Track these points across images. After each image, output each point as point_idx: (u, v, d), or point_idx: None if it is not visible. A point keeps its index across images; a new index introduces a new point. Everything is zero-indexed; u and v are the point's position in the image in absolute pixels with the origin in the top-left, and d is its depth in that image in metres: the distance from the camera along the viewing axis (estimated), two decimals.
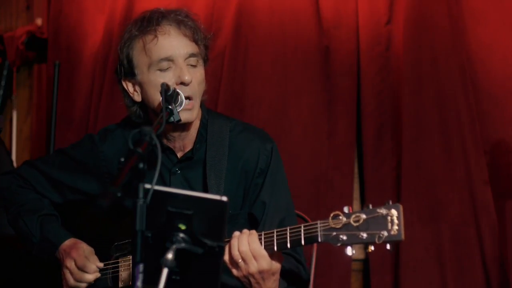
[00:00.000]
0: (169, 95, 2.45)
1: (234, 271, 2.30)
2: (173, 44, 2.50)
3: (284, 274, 2.52)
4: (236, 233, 2.30)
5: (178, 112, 2.46)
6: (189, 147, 2.66)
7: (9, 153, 4.46)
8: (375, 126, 4.15)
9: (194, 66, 2.54)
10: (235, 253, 2.27)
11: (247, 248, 2.27)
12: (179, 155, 2.66)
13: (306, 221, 2.99)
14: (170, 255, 1.94)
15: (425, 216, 3.97)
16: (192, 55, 2.52)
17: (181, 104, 2.48)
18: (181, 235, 1.98)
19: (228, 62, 4.24)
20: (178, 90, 2.48)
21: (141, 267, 1.90)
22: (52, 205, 2.78)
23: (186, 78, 2.49)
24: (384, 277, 4.04)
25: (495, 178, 4.00)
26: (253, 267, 2.27)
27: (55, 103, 4.30)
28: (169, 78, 2.50)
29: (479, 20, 4.10)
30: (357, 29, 4.20)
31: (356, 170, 4.23)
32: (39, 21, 4.63)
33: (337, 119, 4.19)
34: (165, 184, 2.65)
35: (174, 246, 1.96)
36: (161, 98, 2.45)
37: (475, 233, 3.95)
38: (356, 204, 4.23)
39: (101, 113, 4.36)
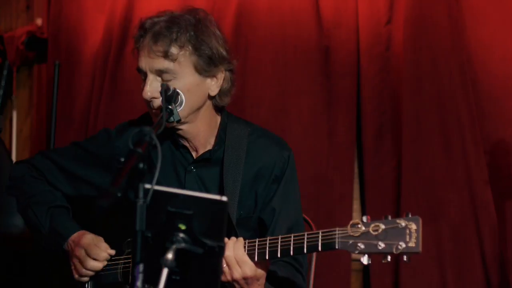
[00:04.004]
0: (169, 95, 2.47)
1: None
2: (144, 58, 2.55)
3: (278, 281, 2.54)
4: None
5: (178, 112, 2.49)
6: (201, 148, 2.68)
7: (9, 153, 4.46)
8: (375, 126, 4.15)
9: (168, 80, 2.53)
10: None
11: (231, 253, 2.32)
12: (193, 154, 2.69)
13: (309, 225, 3.01)
14: (170, 255, 1.94)
15: (425, 216, 3.95)
16: (162, 71, 2.52)
17: (181, 104, 2.50)
18: (181, 235, 1.98)
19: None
20: (178, 90, 2.50)
21: (141, 267, 1.90)
22: (64, 197, 2.79)
23: (143, 93, 2.54)
24: (384, 277, 4.04)
25: (495, 178, 4.01)
26: (237, 273, 2.33)
27: (55, 103, 4.30)
28: (143, 88, 2.56)
29: (479, 20, 4.10)
30: (357, 29, 4.20)
31: (356, 170, 4.23)
32: (39, 21, 4.62)
33: (337, 119, 4.19)
34: (180, 182, 2.67)
35: (174, 246, 1.96)
36: (145, 101, 2.55)
37: (475, 233, 3.96)
38: (356, 204, 4.23)
39: (101, 113, 4.36)
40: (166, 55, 2.51)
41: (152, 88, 2.53)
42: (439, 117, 4.06)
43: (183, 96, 2.50)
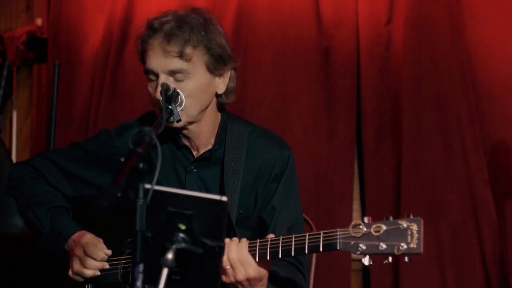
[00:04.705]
0: (169, 95, 2.47)
1: (223, 277, 2.33)
2: (156, 59, 2.52)
3: (279, 281, 2.54)
4: (226, 240, 2.32)
5: (178, 112, 2.48)
6: (202, 148, 2.69)
7: (9, 153, 4.46)
8: (375, 126, 4.15)
9: (181, 81, 2.53)
10: (224, 259, 2.29)
11: (236, 255, 2.31)
12: (195, 154, 2.69)
13: (310, 225, 3.01)
14: (170, 255, 1.94)
15: (425, 216, 3.92)
16: (175, 71, 2.52)
17: (181, 104, 2.50)
18: (181, 235, 1.98)
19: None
20: (178, 90, 2.50)
21: (141, 267, 1.90)
22: (64, 198, 2.78)
23: (155, 95, 2.51)
24: (384, 277, 4.04)
25: (495, 178, 4.01)
26: (241, 274, 2.32)
27: (55, 103, 4.30)
28: (152, 89, 2.55)
29: (479, 20, 4.10)
30: (357, 29, 4.20)
31: (356, 170, 4.23)
32: (39, 21, 4.63)
33: (337, 119, 4.19)
34: (180, 182, 2.67)
35: (174, 246, 1.96)
36: (152, 101, 2.53)
37: (475, 233, 3.96)
38: (356, 204, 4.23)
39: (101, 113, 4.36)
40: (181, 55, 2.51)
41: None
42: (439, 117, 4.06)
43: (183, 96, 2.50)
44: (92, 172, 2.77)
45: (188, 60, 2.52)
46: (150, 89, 2.56)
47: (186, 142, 2.68)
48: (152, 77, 2.55)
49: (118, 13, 4.41)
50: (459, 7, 4.09)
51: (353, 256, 4.03)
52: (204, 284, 2.07)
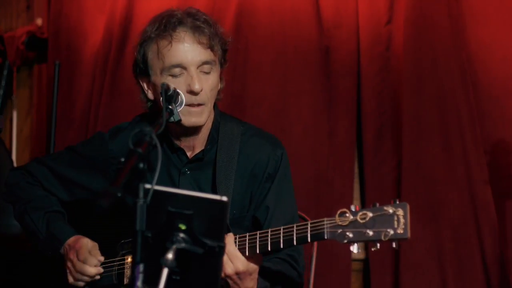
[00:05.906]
0: (169, 95, 2.46)
1: None
2: (186, 51, 2.51)
3: (272, 276, 2.54)
4: None
5: (178, 112, 2.48)
6: (198, 147, 2.68)
7: (9, 153, 4.46)
8: (375, 126, 4.16)
9: (207, 73, 2.55)
10: None
11: None
12: (189, 154, 2.68)
13: (306, 221, 3.00)
14: (170, 255, 1.94)
15: (425, 216, 3.98)
16: (205, 62, 2.53)
17: (181, 104, 2.49)
18: (181, 235, 1.98)
19: (228, 62, 4.24)
20: (178, 90, 2.49)
21: (141, 267, 1.90)
22: (59, 202, 2.79)
23: (196, 87, 2.50)
24: (384, 277, 4.04)
25: (495, 178, 4.01)
26: (230, 268, 2.32)
27: (55, 103, 4.30)
28: (180, 85, 2.51)
29: (479, 20, 4.10)
30: (357, 29, 4.20)
31: (356, 170, 4.24)
32: (39, 21, 4.63)
33: (337, 119, 4.19)
34: (174, 184, 2.66)
35: (174, 246, 1.96)
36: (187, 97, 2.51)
37: (475, 233, 3.96)
38: (356, 204, 4.22)
39: (101, 113, 4.36)
40: (211, 47, 2.54)
41: (200, 80, 2.52)
42: (439, 117, 4.06)
43: (183, 96, 2.50)
44: (87, 176, 2.77)
45: (215, 52, 2.55)
46: (175, 84, 2.50)
47: (183, 143, 2.67)
48: (177, 71, 2.52)
49: (118, 13, 4.41)
50: (459, 7, 4.09)
51: (353, 256, 4.03)
52: (204, 284, 2.07)
